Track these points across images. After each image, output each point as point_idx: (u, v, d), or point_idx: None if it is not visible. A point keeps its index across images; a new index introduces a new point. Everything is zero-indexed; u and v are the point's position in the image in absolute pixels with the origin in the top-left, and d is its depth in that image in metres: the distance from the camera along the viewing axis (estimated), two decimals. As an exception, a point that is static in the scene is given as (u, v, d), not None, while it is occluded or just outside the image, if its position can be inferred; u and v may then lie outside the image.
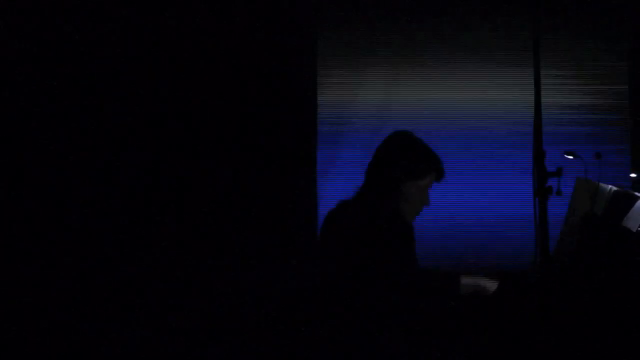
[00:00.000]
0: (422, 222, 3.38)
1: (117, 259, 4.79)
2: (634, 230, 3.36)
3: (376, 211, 3.22)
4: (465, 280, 3.20)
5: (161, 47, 4.99)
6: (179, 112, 4.99)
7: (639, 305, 3.12)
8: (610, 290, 3.15)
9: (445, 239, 5.03)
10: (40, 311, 4.64)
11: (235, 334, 4.64)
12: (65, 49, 4.91)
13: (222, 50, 5.04)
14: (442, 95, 5.16)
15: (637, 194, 3.49)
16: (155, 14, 4.98)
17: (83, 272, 4.76)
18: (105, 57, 4.95)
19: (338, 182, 4.96)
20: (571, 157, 3.58)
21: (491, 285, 3.21)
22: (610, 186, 3.48)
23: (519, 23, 5.08)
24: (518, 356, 3.10)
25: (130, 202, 4.90)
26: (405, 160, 3.25)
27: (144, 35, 4.98)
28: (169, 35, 4.99)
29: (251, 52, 5.05)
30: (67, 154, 4.88)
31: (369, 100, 5.17)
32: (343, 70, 5.18)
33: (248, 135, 5.02)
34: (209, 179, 4.97)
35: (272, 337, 4.51)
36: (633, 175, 4.93)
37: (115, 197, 4.88)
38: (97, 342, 4.58)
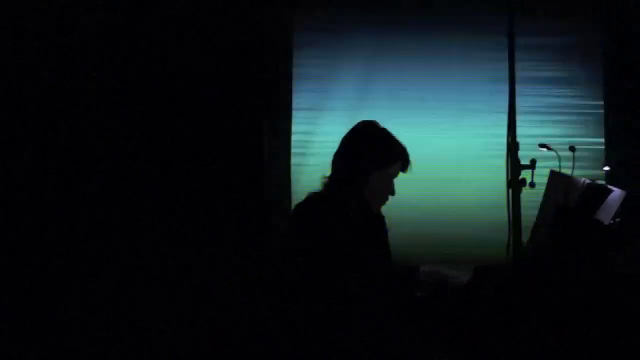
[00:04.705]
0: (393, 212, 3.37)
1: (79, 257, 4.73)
2: (607, 223, 3.37)
3: (343, 203, 3.20)
4: (425, 269, 3.23)
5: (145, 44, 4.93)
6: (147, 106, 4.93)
7: (611, 298, 3.13)
8: (583, 283, 3.15)
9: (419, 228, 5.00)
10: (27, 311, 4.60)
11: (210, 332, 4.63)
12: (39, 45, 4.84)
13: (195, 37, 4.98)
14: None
15: (610, 187, 3.50)
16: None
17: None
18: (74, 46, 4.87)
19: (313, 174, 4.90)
20: (545, 150, 3.58)
21: (451, 275, 3.22)
22: (583, 179, 3.48)
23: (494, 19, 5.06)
24: (491, 349, 3.09)
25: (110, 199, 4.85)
26: (370, 150, 3.24)
27: (111, 22, 4.90)
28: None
29: (224, 36, 5.00)
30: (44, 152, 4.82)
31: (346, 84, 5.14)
32: (320, 55, 5.14)
33: (219, 126, 4.97)
34: (180, 171, 4.92)
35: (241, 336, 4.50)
36: (606, 168, 4.95)
37: (81, 194, 4.81)
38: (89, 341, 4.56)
